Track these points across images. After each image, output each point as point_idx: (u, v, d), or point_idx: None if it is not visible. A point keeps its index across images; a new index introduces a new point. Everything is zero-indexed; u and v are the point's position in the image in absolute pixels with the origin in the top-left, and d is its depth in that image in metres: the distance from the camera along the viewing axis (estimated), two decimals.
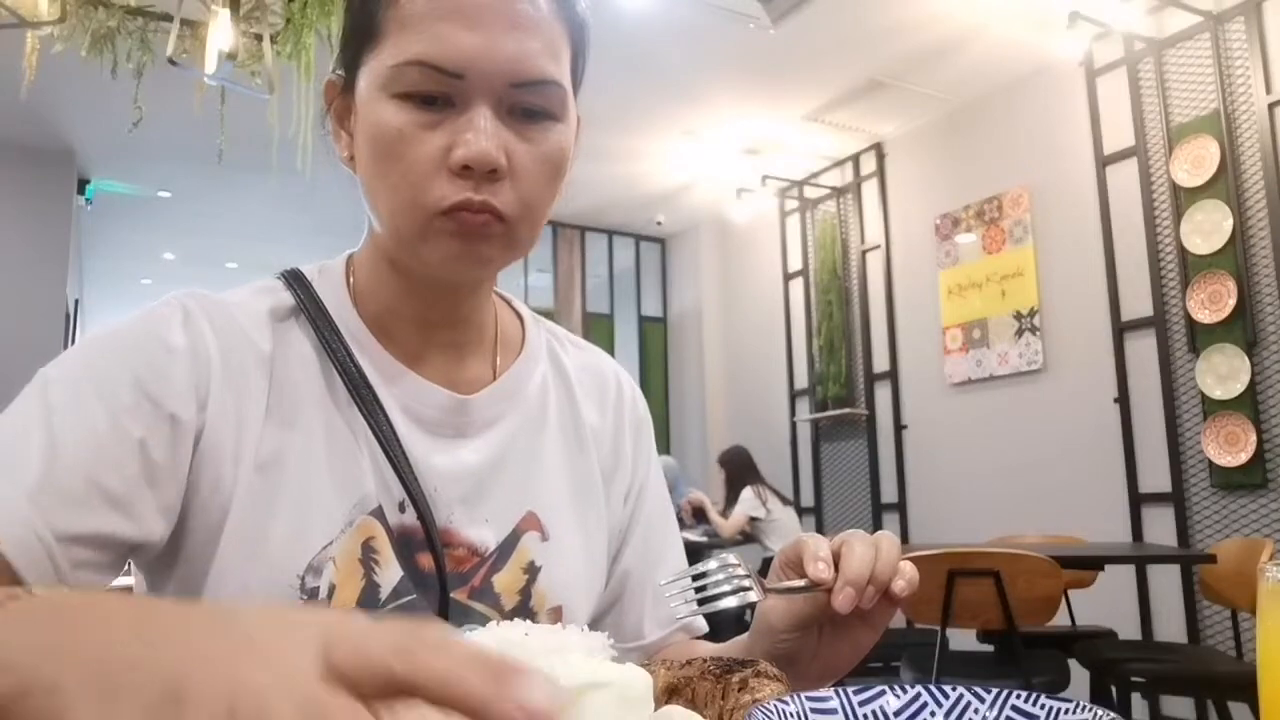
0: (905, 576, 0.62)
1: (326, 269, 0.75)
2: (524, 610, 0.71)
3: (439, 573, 0.67)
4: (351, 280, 0.74)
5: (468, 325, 0.75)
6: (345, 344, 0.70)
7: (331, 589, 0.64)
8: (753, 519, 4.96)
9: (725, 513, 5.17)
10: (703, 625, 0.85)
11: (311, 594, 0.64)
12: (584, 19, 0.71)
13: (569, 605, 0.74)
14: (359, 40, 0.67)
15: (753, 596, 0.61)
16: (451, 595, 0.68)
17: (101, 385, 0.61)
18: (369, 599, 0.65)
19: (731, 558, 0.62)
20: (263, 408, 0.66)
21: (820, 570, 0.61)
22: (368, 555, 0.66)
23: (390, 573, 0.67)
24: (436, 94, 0.63)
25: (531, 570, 0.73)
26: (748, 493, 5.05)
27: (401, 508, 0.68)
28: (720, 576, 0.61)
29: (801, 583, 0.62)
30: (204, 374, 0.64)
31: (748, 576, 0.62)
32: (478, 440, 0.73)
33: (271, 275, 0.74)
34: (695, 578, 0.62)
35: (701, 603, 0.61)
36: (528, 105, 0.65)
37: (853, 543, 0.62)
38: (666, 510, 0.88)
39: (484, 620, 0.68)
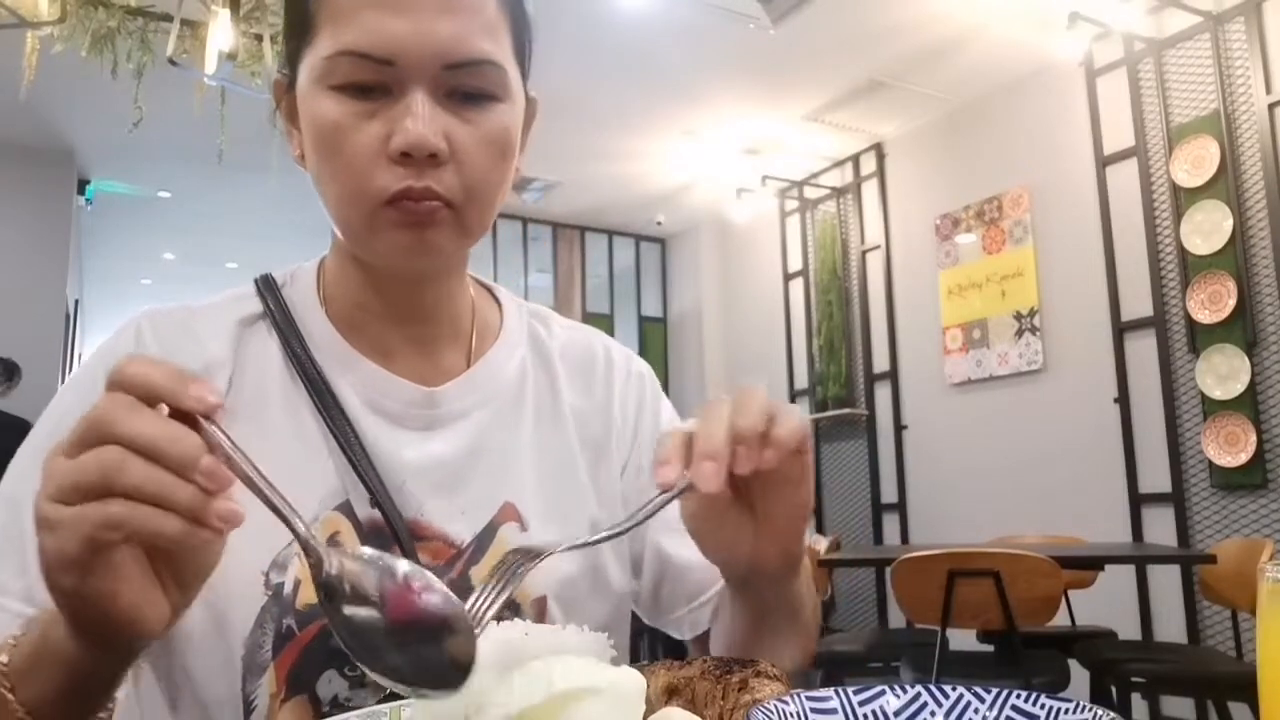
0: (788, 420, 0.56)
1: (298, 272, 0.76)
2: (506, 603, 0.70)
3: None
4: (321, 281, 0.75)
5: (438, 317, 0.75)
6: (305, 347, 0.70)
7: (297, 584, 0.65)
8: None
9: None
10: None
11: (276, 590, 0.64)
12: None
13: (553, 595, 0.72)
14: (296, 35, 0.67)
15: (671, 493, 0.55)
16: None
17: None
18: None
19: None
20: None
21: (666, 474, 0.55)
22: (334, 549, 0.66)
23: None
24: (370, 82, 0.62)
25: None
26: None
27: (371, 503, 0.68)
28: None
29: (660, 496, 0.55)
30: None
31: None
32: (449, 432, 0.72)
33: (247, 282, 0.76)
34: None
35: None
36: (465, 87, 0.64)
37: (705, 414, 0.56)
38: None
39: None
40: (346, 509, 0.68)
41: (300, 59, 0.66)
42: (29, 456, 0.64)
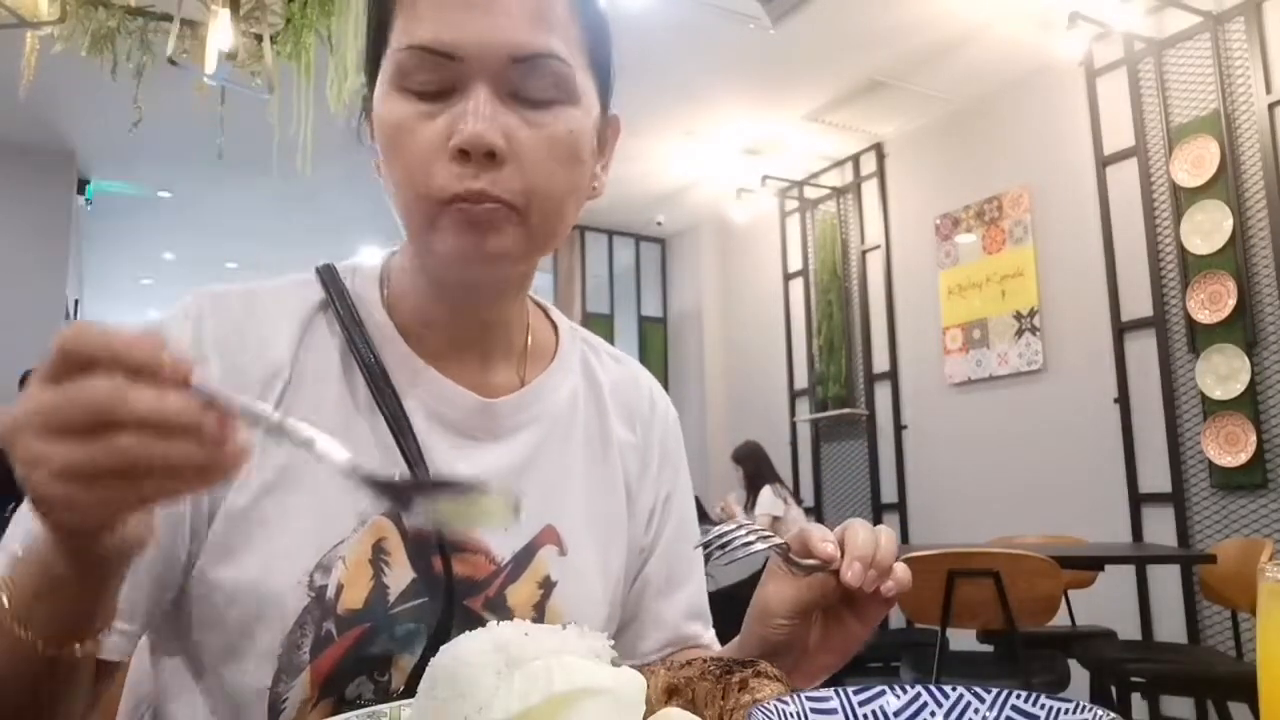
0: (899, 570, 0.65)
1: (361, 268, 0.75)
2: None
3: (446, 577, 0.66)
4: (386, 280, 0.74)
5: (495, 330, 0.74)
6: (370, 342, 0.69)
7: (339, 588, 0.64)
8: (774, 519, 4.90)
9: (747, 513, 5.07)
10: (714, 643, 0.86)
11: (319, 592, 0.63)
12: (599, 7, 0.69)
13: (584, 624, 0.73)
14: (375, 43, 0.67)
15: (775, 541, 0.65)
16: (464, 603, 0.67)
17: None
18: (377, 600, 0.65)
19: (743, 519, 0.66)
20: (272, 403, 0.66)
21: (828, 549, 0.64)
22: (378, 556, 0.66)
23: (401, 574, 0.66)
24: (435, 79, 0.62)
25: (547, 585, 0.72)
26: (768, 493, 5.00)
27: None
28: (742, 532, 0.65)
29: (815, 561, 0.65)
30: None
31: (769, 534, 0.65)
32: (501, 447, 0.72)
33: (308, 270, 0.75)
34: (720, 535, 0.65)
35: (730, 551, 0.64)
36: (531, 85, 0.63)
37: (855, 527, 0.66)
38: (691, 533, 0.87)
39: None
40: (394, 515, 0.67)
41: (378, 66, 0.66)
42: None
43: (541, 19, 0.63)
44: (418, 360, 0.70)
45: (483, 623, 0.66)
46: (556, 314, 0.83)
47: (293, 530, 0.64)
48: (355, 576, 0.64)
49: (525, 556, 0.71)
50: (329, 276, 0.73)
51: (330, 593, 0.64)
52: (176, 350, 0.41)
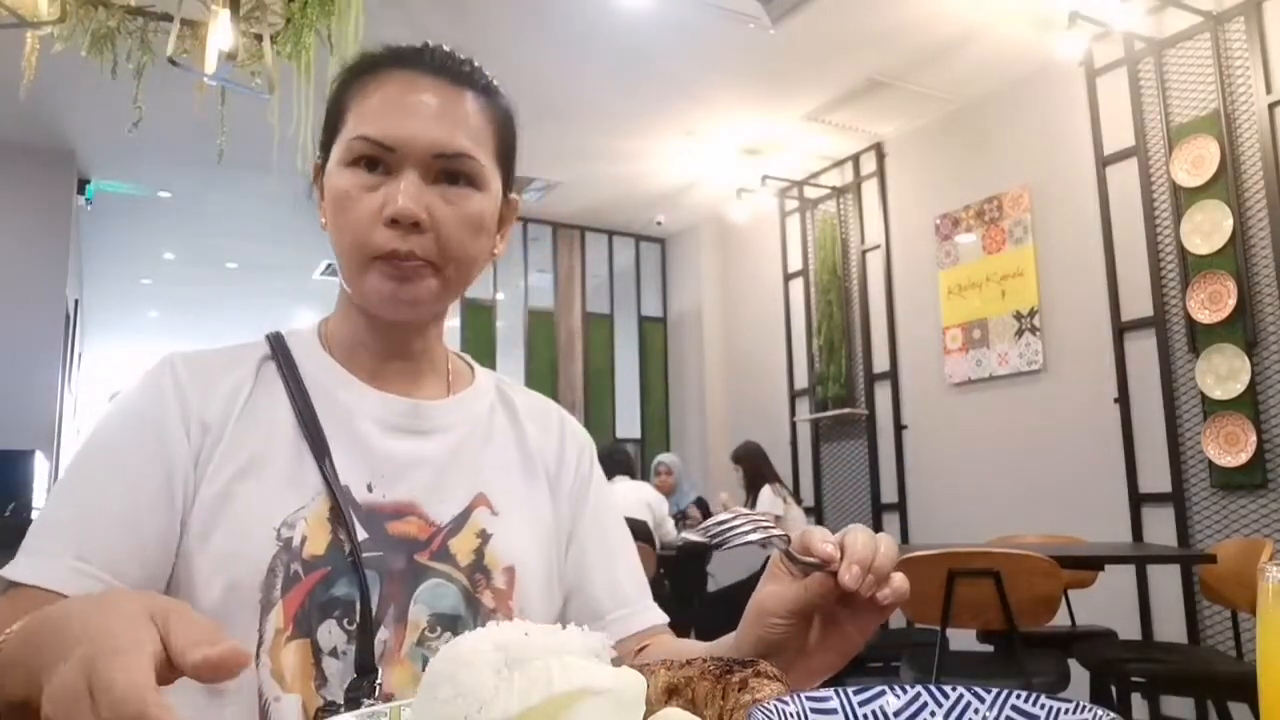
0: (897, 579, 0.67)
1: (302, 330, 0.92)
2: (479, 567, 0.84)
3: (351, 541, 0.79)
4: (324, 330, 0.92)
5: (420, 355, 0.91)
6: (299, 378, 0.86)
7: (303, 539, 0.78)
8: (775, 519, 4.90)
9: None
10: (662, 616, 0.94)
11: (286, 542, 0.77)
12: (510, 115, 0.88)
13: (521, 566, 0.86)
14: (330, 129, 0.85)
15: (777, 533, 0.64)
16: (414, 558, 0.82)
17: (122, 453, 0.79)
18: (336, 549, 0.79)
19: (749, 511, 0.66)
20: (232, 424, 0.82)
21: (828, 550, 0.65)
22: (334, 517, 0.80)
23: (356, 531, 0.80)
24: (376, 159, 0.80)
25: (484, 536, 0.86)
26: (767, 492, 5.02)
27: (369, 488, 0.83)
28: (740, 521, 0.65)
29: (814, 559, 0.65)
30: (187, 409, 0.81)
31: (771, 525, 0.65)
32: (433, 440, 0.88)
33: (261, 334, 0.91)
34: (718, 523, 0.65)
35: (731, 539, 0.64)
36: (449, 171, 0.81)
37: (856, 532, 0.67)
38: (618, 521, 0.99)
39: (445, 575, 0.82)
40: (333, 494, 0.81)
41: (331, 146, 0.85)
42: (87, 464, 0.78)
43: (460, 126, 0.81)
44: (358, 381, 0.87)
45: (432, 570, 0.82)
46: (471, 360, 1.00)
47: (260, 502, 0.79)
48: (316, 531, 0.79)
49: (462, 518, 0.86)
50: (274, 338, 0.90)
51: (296, 542, 0.78)
52: None
